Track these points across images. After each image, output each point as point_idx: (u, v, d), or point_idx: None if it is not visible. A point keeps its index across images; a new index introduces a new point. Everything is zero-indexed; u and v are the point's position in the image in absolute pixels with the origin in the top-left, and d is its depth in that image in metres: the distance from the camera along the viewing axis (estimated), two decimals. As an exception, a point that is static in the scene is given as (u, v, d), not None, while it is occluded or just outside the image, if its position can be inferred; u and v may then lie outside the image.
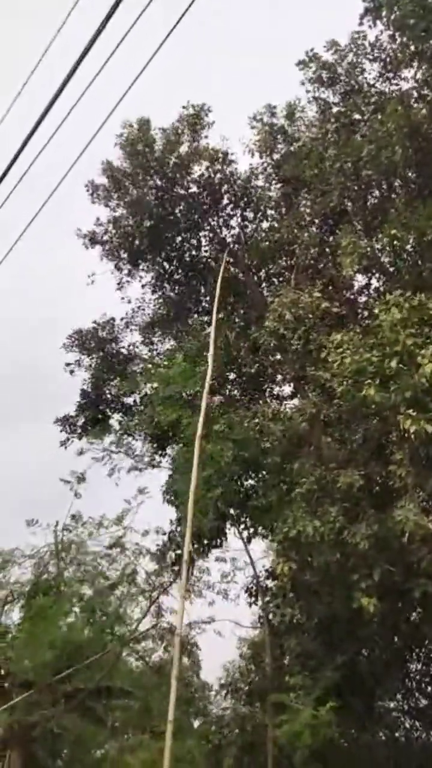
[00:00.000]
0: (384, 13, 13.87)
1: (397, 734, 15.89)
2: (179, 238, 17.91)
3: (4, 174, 6.81)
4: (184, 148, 16.97)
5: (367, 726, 14.71)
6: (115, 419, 18.26)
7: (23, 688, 15.81)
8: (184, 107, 17.09)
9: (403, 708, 16.23)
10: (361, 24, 14.72)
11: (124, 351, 19.15)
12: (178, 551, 15.56)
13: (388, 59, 14.88)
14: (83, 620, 17.50)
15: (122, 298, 19.19)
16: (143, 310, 19.51)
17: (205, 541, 14.55)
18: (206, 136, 17.15)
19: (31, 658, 15.86)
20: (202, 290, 18.38)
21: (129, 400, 18.31)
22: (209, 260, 18.20)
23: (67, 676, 16.24)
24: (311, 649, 13.73)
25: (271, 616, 15.17)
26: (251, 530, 15.65)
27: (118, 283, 18.76)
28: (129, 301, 19.30)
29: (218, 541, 15.61)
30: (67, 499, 16.86)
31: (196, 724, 18.00)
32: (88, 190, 17.76)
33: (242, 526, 15.74)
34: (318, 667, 13.15)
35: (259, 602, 16.34)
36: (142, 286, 19.01)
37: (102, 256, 18.33)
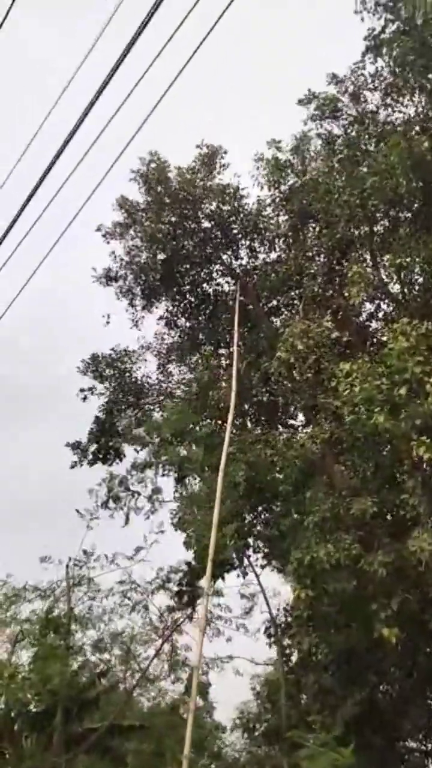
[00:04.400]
0: (385, 51, 14.24)
1: (420, 776, 15.31)
2: (192, 272, 18.10)
3: (20, 213, 6.99)
4: (198, 186, 17.24)
5: (389, 766, 14.18)
6: (128, 448, 18.22)
7: (35, 730, 15.48)
8: (198, 146, 17.44)
9: (426, 749, 15.67)
10: (362, 62, 15.13)
11: (137, 381, 19.18)
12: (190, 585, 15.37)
13: (388, 89, 15.17)
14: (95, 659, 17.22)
15: (138, 338, 19.38)
16: (158, 341, 19.63)
17: (224, 575, 14.36)
18: (220, 176, 17.40)
19: (43, 699, 15.54)
20: (215, 322, 18.50)
21: (142, 431, 18.26)
22: (221, 293, 18.38)
23: (79, 716, 15.91)
24: (329, 685, 13.36)
25: (287, 650, 14.81)
26: (265, 561, 15.43)
27: (133, 320, 18.90)
28: (143, 337, 19.44)
29: (239, 573, 15.41)
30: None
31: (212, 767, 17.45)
32: (100, 230, 17.90)
33: (256, 556, 15.54)
34: (337, 704, 12.76)
35: (275, 637, 15.97)
36: (157, 321, 19.17)
37: (117, 293, 18.50)
